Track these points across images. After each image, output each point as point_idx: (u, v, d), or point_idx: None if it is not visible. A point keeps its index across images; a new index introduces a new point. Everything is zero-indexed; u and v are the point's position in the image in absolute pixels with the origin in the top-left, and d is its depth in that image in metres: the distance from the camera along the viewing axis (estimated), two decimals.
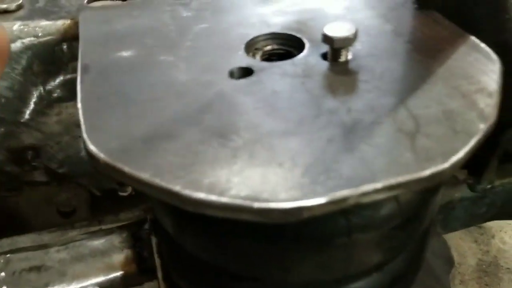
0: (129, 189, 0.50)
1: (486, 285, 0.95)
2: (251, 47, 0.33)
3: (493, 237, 1.05)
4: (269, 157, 0.23)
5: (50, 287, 0.34)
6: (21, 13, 0.44)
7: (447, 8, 0.35)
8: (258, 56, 0.33)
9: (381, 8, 0.36)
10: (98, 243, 0.38)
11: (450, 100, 0.26)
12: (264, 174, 0.22)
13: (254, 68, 0.30)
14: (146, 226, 0.39)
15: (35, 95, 0.45)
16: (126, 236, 0.38)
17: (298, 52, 0.32)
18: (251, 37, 0.33)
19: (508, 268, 0.98)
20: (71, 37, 0.43)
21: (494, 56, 0.29)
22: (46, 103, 0.46)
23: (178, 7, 0.38)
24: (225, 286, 0.31)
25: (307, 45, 0.32)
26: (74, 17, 0.43)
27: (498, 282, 0.95)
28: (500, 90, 0.27)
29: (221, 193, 0.20)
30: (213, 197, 0.20)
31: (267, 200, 0.20)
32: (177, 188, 0.21)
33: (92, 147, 0.23)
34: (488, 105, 0.25)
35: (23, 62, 0.43)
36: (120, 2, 0.40)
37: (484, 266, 0.98)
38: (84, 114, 0.26)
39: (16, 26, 0.42)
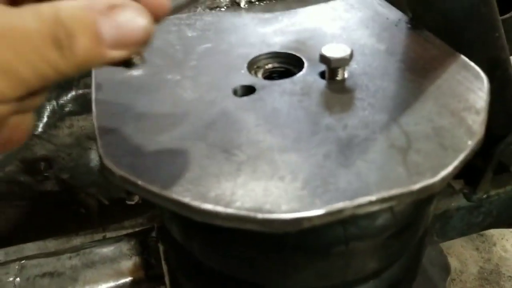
0: (136, 198, 0.52)
1: None
2: (253, 65, 0.35)
3: (494, 245, 1.05)
4: (271, 171, 0.24)
5: None
6: None
7: (439, 27, 0.37)
8: (259, 74, 0.34)
9: (375, 27, 0.38)
10: (107, 250, 0.39)
11: (439, 118, 0.27)
12: (266, 187, 0.23)
13: (256, 86, 0.31)
14: (154, 234, 0.40)
15: (48, 109, 0.47)
16: (134, 244, 0.40)
17: (297, 70, 0.34)
18: (252, 56, 0.35)
19: (510, 276, 0.98)
20: None
21: (482, 74, 0.31)
22: (59, 117, 0.48)
23: (184, 27, 0.40)
24: None
25: (305, 64, 0.34)
26: None
27: None
28: (487, 107, 0.28)
29: (227, 205, 0.22)
30: (220, 208, 0.22)
31: (270, 211, 0.22)
32: (186, 199, 0.23)
33: (107, 161, 0.25)
34: (476, 122, 0.27)
35: None
36: None
37: (485, 274, 0.99)
38: (99, 130, 0.28)
39: None
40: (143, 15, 0.20)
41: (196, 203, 0.22)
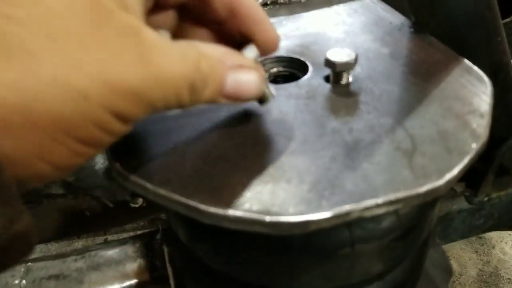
0: (140, 201, 0.52)
1: None
2: None
3: (493, 247, 1.05)
4: (278, 174, 0.25)
5: None
6: None
7: (442, 31, 0.37)
8: None
9: (378, 32, 0.38)
10: (112, 252, 0.39)
11: (444, 121, 0.28)
12: (273, 190, 0.24)
13: None
14: (158, 236, 0.41)
15: None
16: (139, 246, 0.40)
17: (302, 74, 0.34)
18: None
19: (509, 279, 0.98)
20: None
21: (485, 78, 0.31)
22: None
23: None
24: None
25: (310, 68, 0.34)
26: None
27: None
28: (491, 111, 0.29)
29: (235, 207, 0.22)
30: (229, 211, 0.22)
31: (278, 214, 0.22)
32: (195, 202, 0.23)
33: (116, 164, 0.25)
34: (480, 125, 0.27)
35: None
36: None
37: (484, 277, 0.99)
38: None
39: None
40: (261, 79, 0.24)
41: (204, 206, 0.23)
